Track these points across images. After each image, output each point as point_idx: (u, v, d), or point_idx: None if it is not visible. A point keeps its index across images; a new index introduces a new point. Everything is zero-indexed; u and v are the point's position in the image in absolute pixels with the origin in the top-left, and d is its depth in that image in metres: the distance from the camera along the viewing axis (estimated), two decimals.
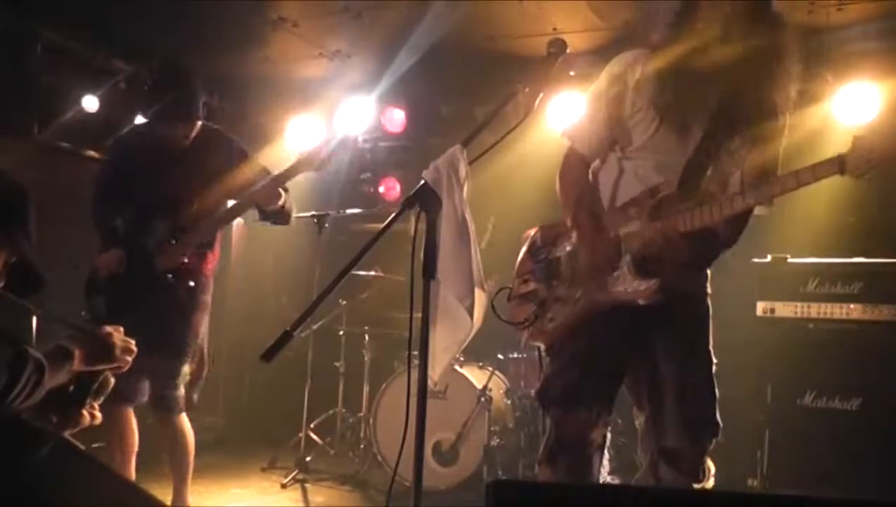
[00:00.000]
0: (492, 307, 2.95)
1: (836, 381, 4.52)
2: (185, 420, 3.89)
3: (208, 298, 3.93)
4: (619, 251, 2.69)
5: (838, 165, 2.30)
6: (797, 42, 2.58)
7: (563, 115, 5.58)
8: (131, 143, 4.01)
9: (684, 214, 2.54)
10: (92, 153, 5.92)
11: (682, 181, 2.62)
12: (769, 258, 4.82)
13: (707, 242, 2.64)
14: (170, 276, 3.72)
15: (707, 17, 2.54)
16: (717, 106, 2.61)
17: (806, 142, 2.51)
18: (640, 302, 2.61)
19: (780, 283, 4.77)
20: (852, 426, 4.44)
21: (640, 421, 2.86)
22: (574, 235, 2.82)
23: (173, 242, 3.77)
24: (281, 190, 3.84)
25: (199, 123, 3.86)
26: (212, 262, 3.93)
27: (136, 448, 3.87)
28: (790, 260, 4.79)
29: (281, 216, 3.95)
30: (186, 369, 3.84)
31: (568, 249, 2.85)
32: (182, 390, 3.85)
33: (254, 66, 6.34)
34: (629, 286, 2.63)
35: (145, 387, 3.81)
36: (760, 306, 4.79)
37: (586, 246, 2.77)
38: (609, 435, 2.89)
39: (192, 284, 3.79)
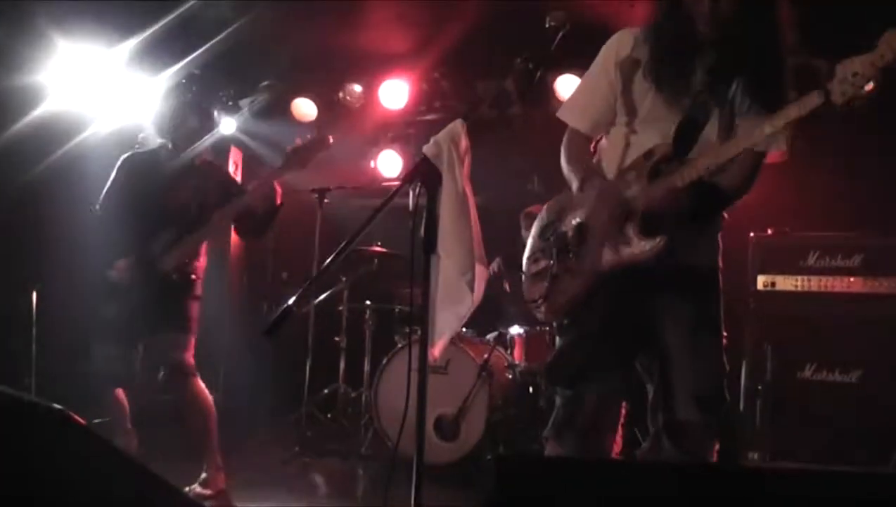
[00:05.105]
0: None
1: (835, 354, 4.52)
2: (201, 386, 4.22)
3: (200, 292, 4.35)
4: (625, 212, 2.65)
5: (823, 93, 2.24)
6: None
7: (565, 89, 5.54)
8: (140, 161, 4.38)
9: (680, 168, 2.53)
10: None
11: (675, 137, 2.61)
12: (770, 232, 4.82)
13: (708, 194, 2.60)
14: (174, 275, 4.16)
15: None
16: (713, 60, 2.59)
17: None
18: (651, 263, 2.57)
19: (781, 256, 4.76)
20: (852, 398, 4.45)
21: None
22: (586, 190, 2.76)
23: (178, 245, 4.18)
24: (276, 185, 4.22)
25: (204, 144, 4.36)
26: (202, 263, 4.36)
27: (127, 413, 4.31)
28: (791, 233, 4.78)
29: (269, 220, 4.29)
30: (192, 340, 4.22)
31: (574, 221, 2.83)
32: (191, 359, 4.20)
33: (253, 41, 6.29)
34: (636, 248, 2.60)
35: (137, 368, 4.25)
36: (761, 280, 4.78)
37: (598, 197, 2.73)
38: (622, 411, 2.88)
39: (192, 278, 4.24)
